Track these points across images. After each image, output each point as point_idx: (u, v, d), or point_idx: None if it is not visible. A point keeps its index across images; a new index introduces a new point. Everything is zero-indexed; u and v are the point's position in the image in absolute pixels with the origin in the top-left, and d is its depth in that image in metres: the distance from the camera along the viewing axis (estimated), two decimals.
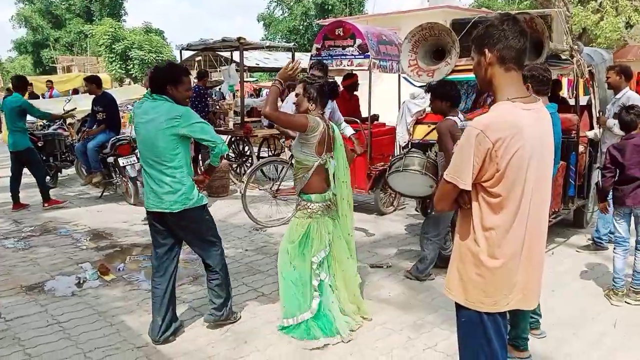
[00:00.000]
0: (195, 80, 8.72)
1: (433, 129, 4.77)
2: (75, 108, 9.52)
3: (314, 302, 3.55)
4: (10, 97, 7.25)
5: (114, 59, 32.52)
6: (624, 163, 4.03)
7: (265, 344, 3.50)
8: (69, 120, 9.41)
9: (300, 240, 3.55)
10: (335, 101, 5.41)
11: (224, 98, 11.12)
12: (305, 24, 37.70)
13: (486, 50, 2.06)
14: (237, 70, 9.95)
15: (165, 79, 3.32)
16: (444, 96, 4.25)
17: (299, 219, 3.62)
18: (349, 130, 5.45)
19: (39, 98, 13.91)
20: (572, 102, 6.52)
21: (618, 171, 4.09)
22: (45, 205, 7.20)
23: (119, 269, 4.88)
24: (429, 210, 4.70)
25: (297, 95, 3.64)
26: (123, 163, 7.20)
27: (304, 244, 3.55)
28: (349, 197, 3.78)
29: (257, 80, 27.25)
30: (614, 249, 4.22)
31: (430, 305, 4.07)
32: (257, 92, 22.42)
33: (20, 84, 7.47)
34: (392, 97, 7.51)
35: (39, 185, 7.24)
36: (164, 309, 3.49)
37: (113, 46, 32.26)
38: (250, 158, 8.90)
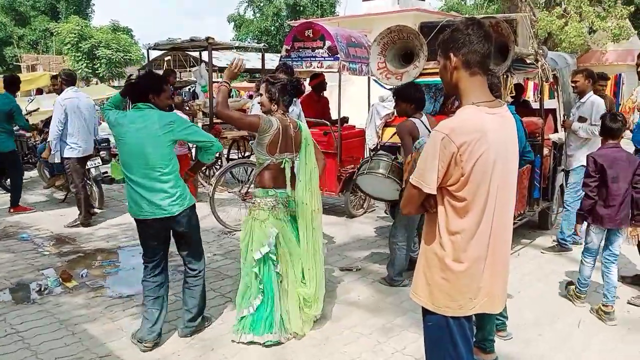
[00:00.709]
0: None
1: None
2: (38, 108, 9.25)
3: (256, 300, 3.52)
4: (1, 97, 6.93)
5: (80, 57, 31.80)
6: (613, 175, 3.86)
7: (233, 351, 3.44)
8: (31, 121, 9.11)
9: (244, 238, 3.59)
10: (300, 104, 5.38)
11: (193, 98, 10.98)
12: (276, 24, 37.57)
13: (451, 55, 2.07)
14: (207, 70, 9.83)
15: (148, 88, 3.39)
16: (408, 99, 4.29)
17: (246, 217, 3.67)
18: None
19: None
20: (536, 105, 6.64)
21: (598, 185, 3.91)
22: (12, 210, 6.98)
23: (81, 276, 4.73)
24: (387, 212, 4.69)
25: (260, 95, 3.66)
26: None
27: (248, 241, 3.57)
28: (313, 204, 3.62)
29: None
30: (584, 256, 4.13)
31: (399, 309, 4.08)
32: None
33: (12, 83, 7.16)
34: (362, 100, 7.53)
35: (13, 190, 7.05)
36: (163, 303, 3.50)
37: (79, 45, 31.53)
38: (219, 160, 8.79)
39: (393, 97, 4.51)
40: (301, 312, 3.63)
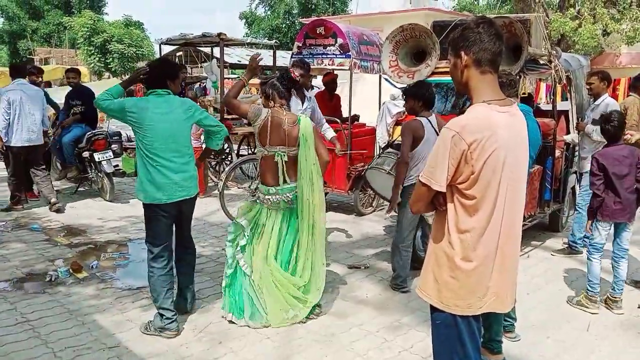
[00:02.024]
0: None
1: None
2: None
3: (224, 280, 3.82)
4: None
5: (92, 52, 31.96)
6: (617, 172, 3.92)
7: (240, 345, 3.46)
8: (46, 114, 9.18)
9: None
10: (316, 100, 5.39)
11: (205, 94, 11.02)
12: (288, 22, 37.57)
13: (462, 53, 2.07)
14: (218, 67, 9.86)
15: (166, 73, 3.59)
16: (417, 96, 4.27)
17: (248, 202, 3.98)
18: (330, 133, 5.34)
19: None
20: (549, 107, 6.60)
21: (604, 182, 3.97)
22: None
23: (92, 267, 4.78)
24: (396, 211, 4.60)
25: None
26: (99, 158, 7.07)
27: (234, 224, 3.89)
28: (315, 198, 3.73)
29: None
30: (590, 254, 4.13)
31: (407, 307, 4.08)
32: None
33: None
34: (373, 98, 7.52)
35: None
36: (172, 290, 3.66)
37: (92, 39, 31.69)
38: (229, 156, 8.82)
39: (402, 94, 4.50)
40: (295, 300, 3.73)
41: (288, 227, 3.81)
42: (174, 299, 3.66)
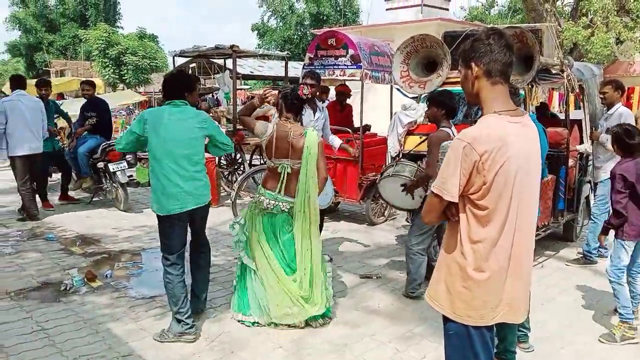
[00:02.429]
0: None
1: (424, 139, 4.75)
2: (67, 113, 9.45)
3: (236, 274, 4.03)
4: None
5: (107, 64, 32.39)
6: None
7: (253, 354, 3.47)
8: (59, 125, 9.34)
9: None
10: (327, 112, 5.44)
11: (217, 105, 11.12)
12: (299, 33, 37.84)
13: (473, 64, 2.08)
14: (230, 78, 9.96)
15: (184, 85, 3.72)
16: (441, 104, 4.23)
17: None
18: (337, 142, 5.43)
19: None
20: (562, 116, 6.57)
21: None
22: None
23: (106, 276, 4.83)
24: (409, 220, 4.63)
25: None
26: (113, 169, 7.16)
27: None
28: (309, 213, 3.80)
29: (251, 88, 27.25)
30: (619, 278, 3.77)
31: (419, 317, 4.06)
32: (250, 100, 22.41)
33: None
34: (384, 108, 7.54)
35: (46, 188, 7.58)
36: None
37: (107, 51, 32.14)
38: (242, 166, 8.88)
39: (426, 101, 4.48)
40: (299, 298, 3.78)
41: (282, 233, 3.89)
42: (190, 303, 3.72)
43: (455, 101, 4.34)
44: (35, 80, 8.30)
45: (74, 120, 8.46)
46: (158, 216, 3.64)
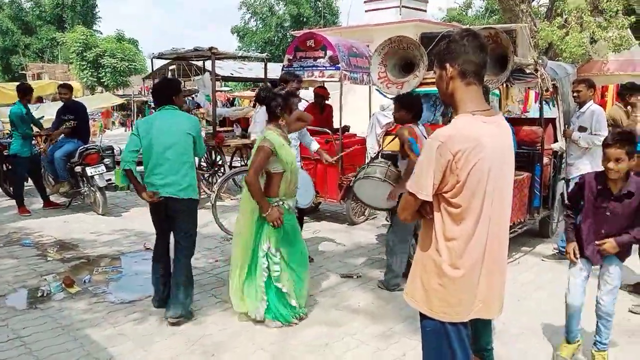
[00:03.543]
0: None
1: (395, 137, 4.80)
2: (43, 116, 9.31)
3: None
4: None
5: (85, 66, 32.02)
6: None
7: (233, 357, 3.47)
8: (35, 129, 9.19)
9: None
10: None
11: (197, 107, 11.05)
12: (279, 35, 37.83)
13: (447, 65, 2.12)
14: (210, 79, 9.90)
15: (172, 90, 4.04)
16: (410, 107, 4.32)
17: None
18: (314, 145, 5.40)
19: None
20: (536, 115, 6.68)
21: None
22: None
23: (84, 281, 4.77)
24: (388, 219, 4.70)
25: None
26: (91, 172, 7.08)
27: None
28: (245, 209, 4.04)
29: (231, 89, 27.18)
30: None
31: (399, 315, 4.10)
32: (231, 102, 22.34)
33: (20, 92, 7.47)
34: (363, 109, 7.59)
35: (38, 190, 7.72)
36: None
37: (84, 54, 31.76)
38: (222, 168, 8.84)
39: (395, 102, 4.54)
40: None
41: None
42: (163, 288, 4.07)
43: (421, 103, 4.43)
44: (17, 84, 8.17)
45: (48, 125, 8.36)
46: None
